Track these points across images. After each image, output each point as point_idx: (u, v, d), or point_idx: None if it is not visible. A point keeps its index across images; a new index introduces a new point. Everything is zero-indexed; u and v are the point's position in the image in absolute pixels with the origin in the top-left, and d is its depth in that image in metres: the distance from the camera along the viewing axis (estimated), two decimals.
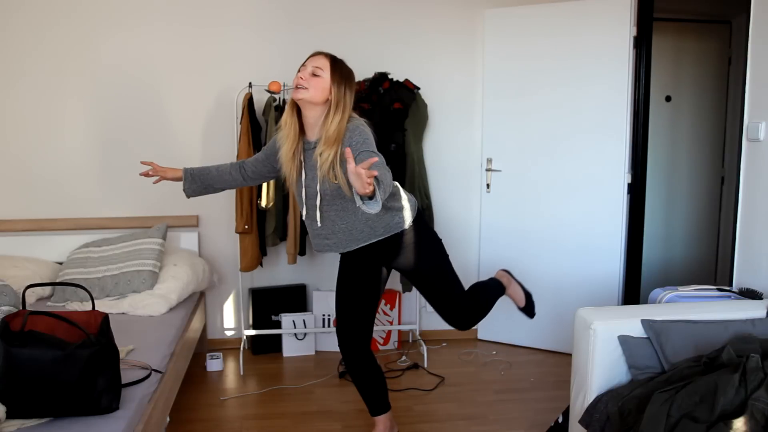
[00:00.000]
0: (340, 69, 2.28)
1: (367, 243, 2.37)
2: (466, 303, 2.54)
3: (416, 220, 2.44)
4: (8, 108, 3.56)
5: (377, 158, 1.91)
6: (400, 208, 2.39)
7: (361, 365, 2.53)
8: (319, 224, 2.36)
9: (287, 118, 2.32)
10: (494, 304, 2.68)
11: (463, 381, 3.43)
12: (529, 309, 2.83)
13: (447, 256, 2.52)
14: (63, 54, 3.57)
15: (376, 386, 2.58)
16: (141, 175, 2.61)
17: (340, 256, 2.54)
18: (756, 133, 2.65)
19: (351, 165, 1.84)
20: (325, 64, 2.25)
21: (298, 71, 2.27)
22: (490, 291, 2.69)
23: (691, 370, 1.99)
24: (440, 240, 2.53)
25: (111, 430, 1.84)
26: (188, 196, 2.60)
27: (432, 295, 2.51)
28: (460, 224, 4.06)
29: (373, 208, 1.93)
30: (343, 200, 2.30)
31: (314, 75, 2.23)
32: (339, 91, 2.24)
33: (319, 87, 2.22)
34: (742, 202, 2.76)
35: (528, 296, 2.83)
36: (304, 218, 2.43)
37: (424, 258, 2.45)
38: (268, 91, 3.47)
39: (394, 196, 2.39)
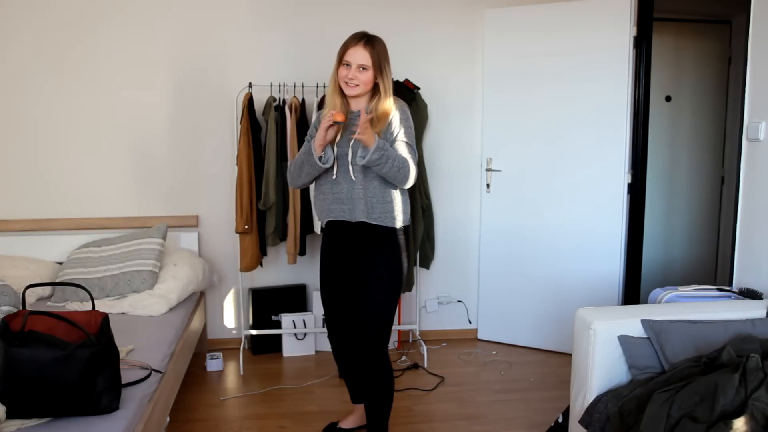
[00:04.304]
0: (378, 54, 2.38)
1: (363, 220, 2.43)
2: (383, 350, 2.48)
3: (406, 229, 2.52)
4: (8, 107, 3.56)
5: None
6: (404, 202, 2.49)
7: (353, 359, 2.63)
8: (353, 178, 2.39)
9: (337, 101, 2.42)
10: (387, 402, 2.53)
11: (463, 381, 3.43)
12: None
13: (401, 287, 2.51)
14: (62, 53, 3.57)
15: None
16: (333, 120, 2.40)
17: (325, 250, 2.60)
18: (756, 133, 2.65)
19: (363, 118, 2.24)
20: (366, 58, 2.35)
21: (340, 65, 2.38)
22: (389, 393, 2.54)
23: (691, 370, 1.99)
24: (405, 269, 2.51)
25: (111, 430, 1.84)
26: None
27: (366, 311, 2.47)
28: (460, 224, 4.06)
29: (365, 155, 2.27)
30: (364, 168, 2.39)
31: (362, 68, 2.36)
32: (384, 76, 2.40)
33: (368, 79, 2.39)
34: (742, 202, 2.76)
35: None
36: (320, 188, 2.49)
37: (389, 268, 2.46)
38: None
39: (404, 193, 2.50)
